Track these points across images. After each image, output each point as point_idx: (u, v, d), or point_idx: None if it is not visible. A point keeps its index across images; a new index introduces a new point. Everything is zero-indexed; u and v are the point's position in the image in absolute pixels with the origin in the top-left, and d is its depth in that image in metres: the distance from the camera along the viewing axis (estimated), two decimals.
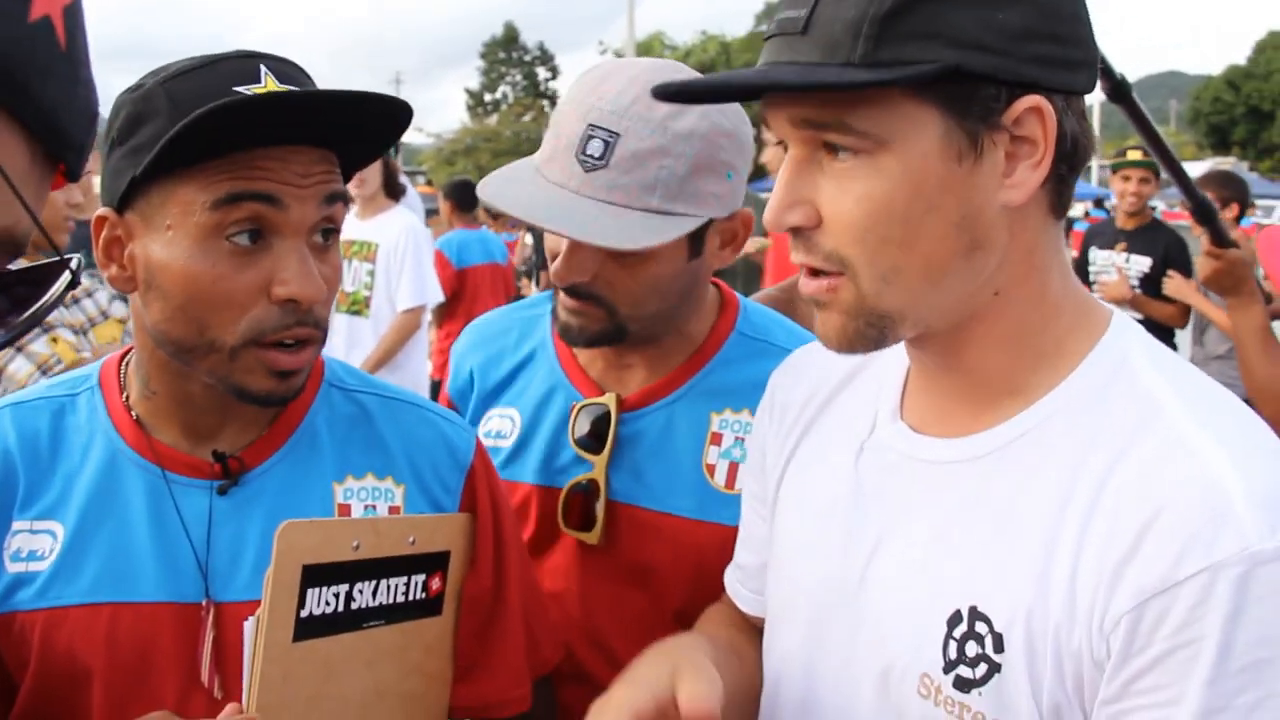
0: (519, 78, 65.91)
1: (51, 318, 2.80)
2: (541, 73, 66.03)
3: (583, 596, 1.61)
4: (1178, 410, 0.92)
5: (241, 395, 1.17)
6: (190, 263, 1.12)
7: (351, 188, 4.91)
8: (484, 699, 1.37)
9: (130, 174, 1.12)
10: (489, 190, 1.48)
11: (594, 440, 1.57)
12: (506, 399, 1.67)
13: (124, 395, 1.27)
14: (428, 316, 5.45)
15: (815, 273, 0.98)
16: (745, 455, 1.54)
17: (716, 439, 1.56)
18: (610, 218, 1.40)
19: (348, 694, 1.22)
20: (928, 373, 1.07)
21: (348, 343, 5.08)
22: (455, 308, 6.29)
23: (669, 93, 1.00)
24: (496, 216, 9.01)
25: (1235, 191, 5.81)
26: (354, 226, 5.13)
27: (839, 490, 1.11)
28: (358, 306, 5.16)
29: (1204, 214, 2.41)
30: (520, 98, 62.31)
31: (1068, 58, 0.93)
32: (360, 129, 1.16)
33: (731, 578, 1.37)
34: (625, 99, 1.42)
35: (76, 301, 2.95)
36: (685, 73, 1.49)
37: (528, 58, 66.40)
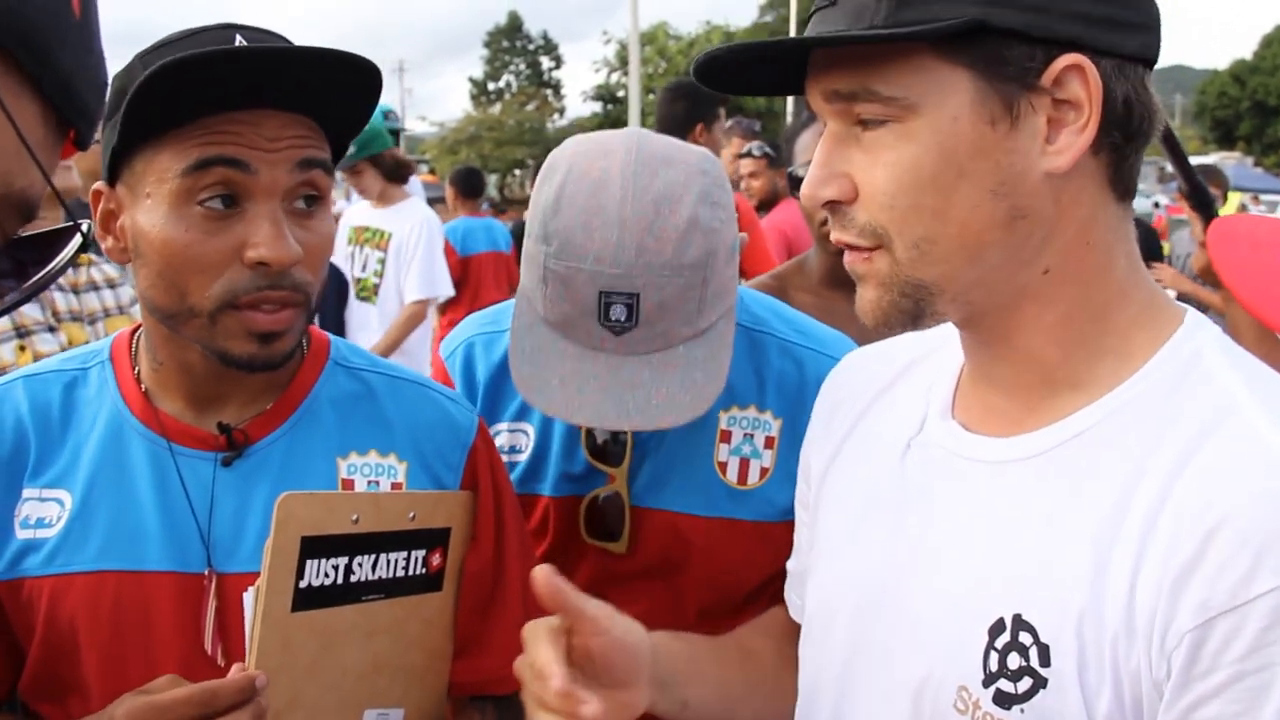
0: (523, 67, 65.81)
1: (61, 307, 2.81)
2: (545, 62, 65.92)
3: (607, 601, 1.62)
4: (1256, 411, 0.85)
5: (226, 360, 1.18)
6: (165, 228, 1.14)
7: (352, 205, 4.95)
8: (483, 674, 1.38)
9: (111, 145, 1.15)
10: (530, 391, 1.40)
11: (610, 449, 1.57)
12: (515, 413, 1.65)
13: (135, 369, 1.29)
14: (433, 309, 5.47)
15: (855, 249, 0.96)
16: (755, 451, 1.56)
17: (725, 436, 1.57)
18: (665, 376, 1.38)
19: (346, 665, 1.23)
20: (980, 364, 1.02)
21: (354, 328, 5.12)
22: (459, 295, 6.30)
23: (709, 69, 0.98)
24: (503, 209, 9.01)
25: (1220, 186, 5.89)
26: (368, 214, 5.20)
27: (883, 490, 1.06)
28: (366, 293, 5.19)
29: (1200, 200, 2.42)
30: (524, 86, 62.23)
31: (1115, 16, 0.88)
32: (331, 91, 1.16)
33: (787, 585, 1.34)
34: (627, 255, 1.34)
35: (95, 288, 2.96)
36: (650, 171, 1.38)
37: (531, 47, 66.27)
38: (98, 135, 0.64)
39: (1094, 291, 0.94)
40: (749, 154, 5.58)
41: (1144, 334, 0.94)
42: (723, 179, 1.44)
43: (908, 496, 1.04)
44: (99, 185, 1.21)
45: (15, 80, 0.59)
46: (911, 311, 0.95)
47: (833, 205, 0.95)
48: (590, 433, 1.58)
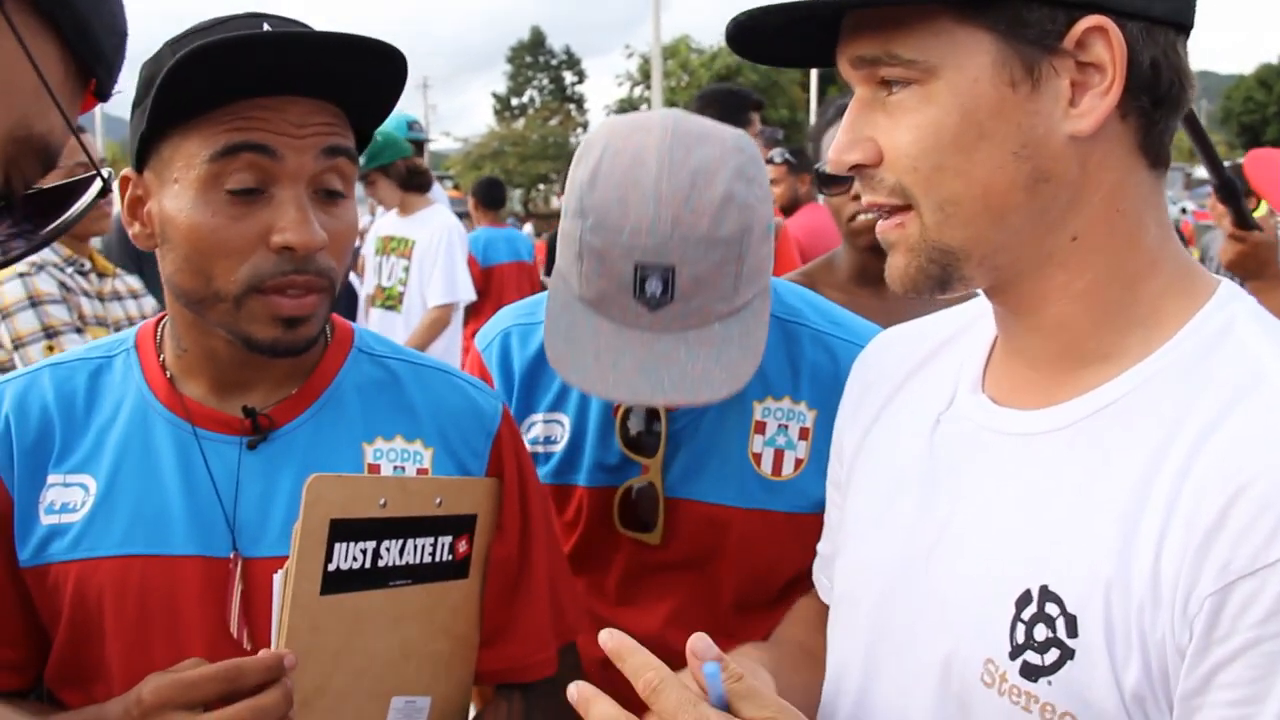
0: (545, 82, 66.06)
1: (88, 311, 2.84)
2: (568, 76, 66.17)
3: (640, 592, 1.62)
4: None
5: (250, 345, 1.19)
6: (193, 213, 1.15)
7: (380, 215, 4.99)
8: (509, 662, 1.38)
9: (140, 131, 1.16)
10: (565, 368, 1.40)
11: (645, 440, 1.57)
12: (551, 404, 1.66)
13: (160, 356, 1.30)
14: (459, 314, 5.49)
15: (884, 213, 0.96)
16: (790, 442, 1.55)
17: (760, 427, 1.56)
18: (700, 353, 1.37)
19: (374, 650, 1.23)
20: (1011, 336, 1.01)
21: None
22: (482, 305, 6.32)
23: (740, 36, 0.98)
24: (526, 217, 9.05)
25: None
26: (393, 224, 5.26)
27: (912, 466, 1.06)
28: (391, 301, 5.22)
29: (1229, 193, 2.39)
30: (547, 101, 62.47)
31: None
32: (357, 78, 1.17)
33: (816, 567, 1.34)
34: (663, 227, 1.33)
35: (119, 298, 2.99)
36: (685, 146, 1.37)
37: (554, 62, 66.52)
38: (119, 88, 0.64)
39: (1124, 259, 0.93)
40: (770, 161, 5.59)
41: (1175, 303, 0.93)
42: (758, 157, 1.44)
43: (937, 472, 1.03)
44: (127, 171, 1.22)
45: (33, 19, 0.59)
46: (939, 277, 0.95)
47: (860, 169, 0.96)
48: (625, 423, 1.58)
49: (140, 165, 1.20)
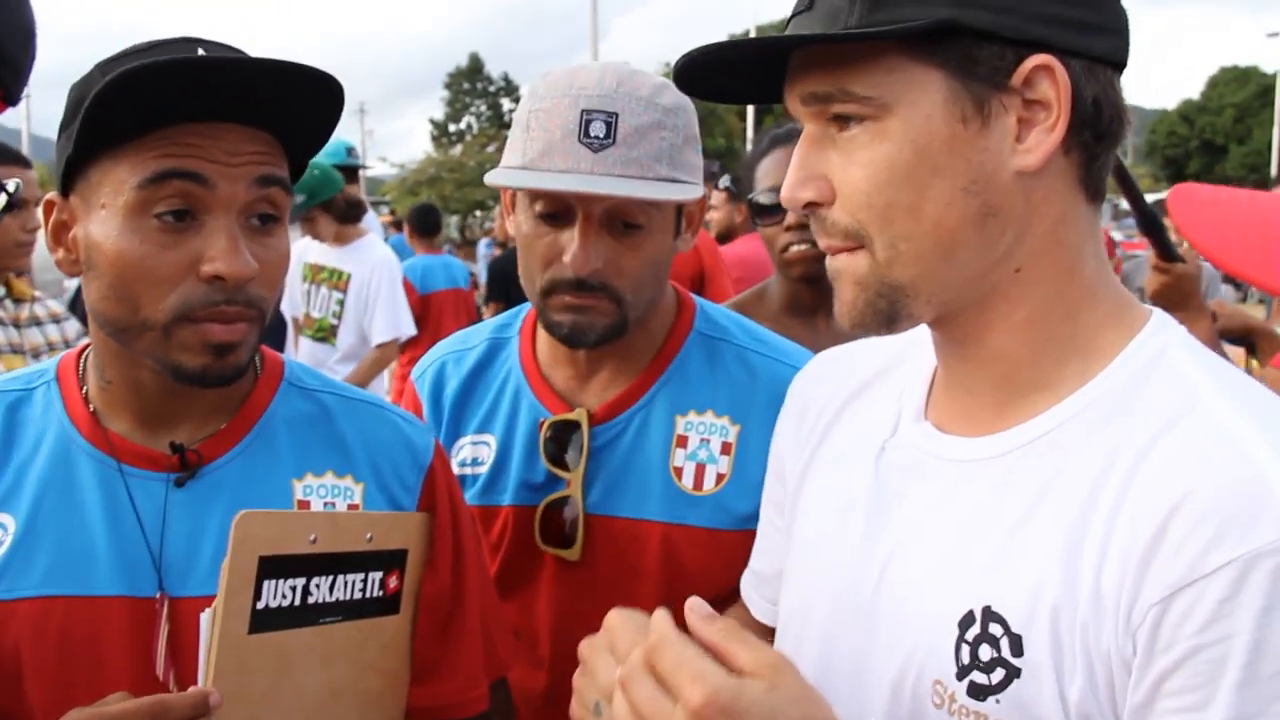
0: (483, 108, 65.94)
1: (0, 339, 2.77)
2: (506, 103, 66.00)
3: (563, 614, 1.62)
4: (1218, 398, 0.87)
5: (179, 374, 1.16)
6: (120, 240, 1.13)
7: (308, 240, 4.95)
8: (441, 699, 1.36)
9: (66, 154, 1.14)
10: (506, 178, 1.49)
11: (566, 456, 1.58)
12: (479, 425, 1.67)
13: (82, 388, 1.27)
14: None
15: (833, 254, 0.97)
16: (711, 457, 1.56)
17: (682, 441, 1.58)
18: (634, 185, 1.43)
19: (304, 689, 1.21)
20: (951, 365, 1.03)
21: (312, 366, 5.05)
22: (419, 333, 6.27)
23: (688, 72, 1.00)
24: (461, 244, 9.01)
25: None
26: (325, 253, 5.17)
27: (858, 491, 1.07)
28: (324, 334, 5.16)
29: (1150, 226, 2.44)
30: (485, 128, 62.28)
31: (1082, 19, 0.90)
32: (292, 106, 1.16)
33: (746, 583, 1.34)
34: (609, 83, 1.46)
35: (38, 323, 2.92)
36: (639, 72, 1.53)
37: (492, 88, 66.44)
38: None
39: (1065, 291, 0.95)
40: (715, 185, 5.66)
41: (1112, 333, 0.95)
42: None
43: (882, 498, 1.05)
44: (52, 195, 1.20)
45: None
46: (887, 313, 0.96)
47: (812, 208, 0.97)
48: (550, 439, 1.58)
49: (66, 189, 1.18)
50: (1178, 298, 2.55)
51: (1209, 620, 0.78)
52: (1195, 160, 63.45)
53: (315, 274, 5.18)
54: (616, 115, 1.44)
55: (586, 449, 1.57)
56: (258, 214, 1.18)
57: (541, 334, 1.67)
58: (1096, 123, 0.92)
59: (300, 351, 5.16)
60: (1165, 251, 2.49)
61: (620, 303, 1.51)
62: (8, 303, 2.87)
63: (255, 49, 1.17)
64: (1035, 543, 0.89)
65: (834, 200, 0.95)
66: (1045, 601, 0.87)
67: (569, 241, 1.48)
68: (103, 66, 1.16)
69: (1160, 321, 0.97)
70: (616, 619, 0.91)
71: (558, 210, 1.50)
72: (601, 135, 1.43)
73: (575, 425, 1.58)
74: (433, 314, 6.47)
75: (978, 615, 0.91)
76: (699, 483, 1.56)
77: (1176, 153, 64.82)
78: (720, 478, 1.56)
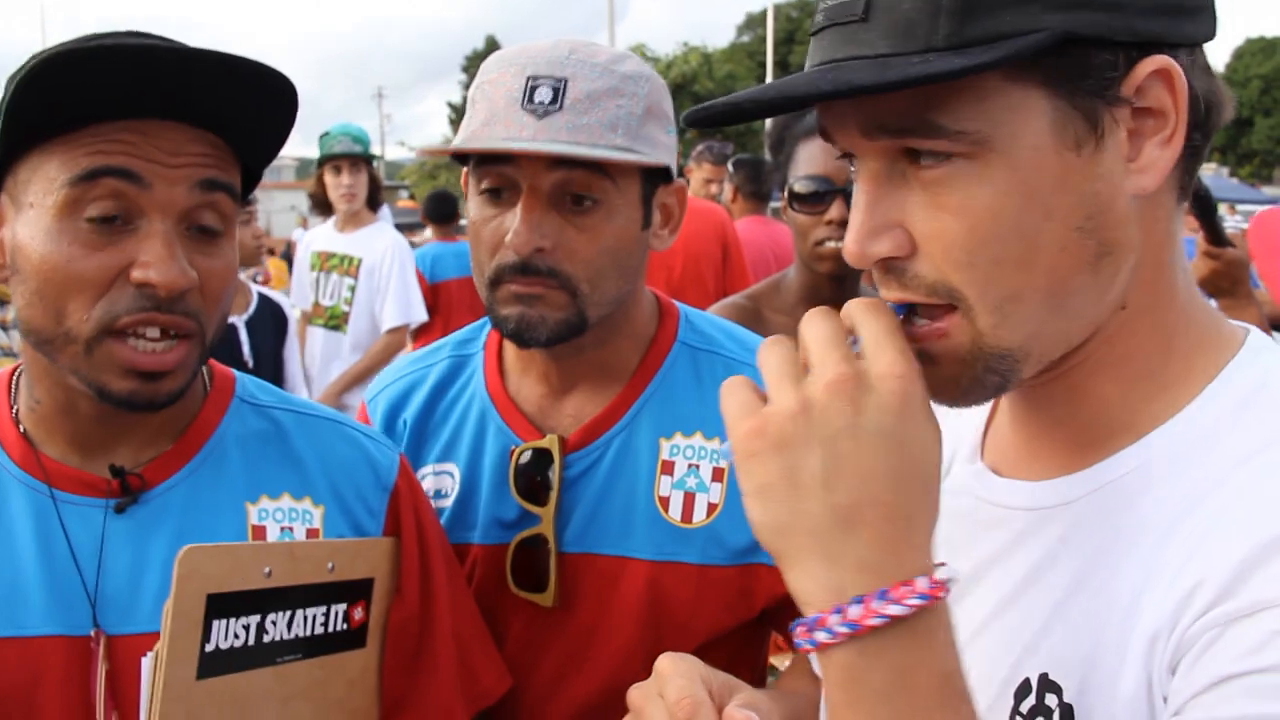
0: None
1: None
2: None
3: (542, 664, 1.45)
4: None
5: (103, 396, 1.08)
6: (46, 242, 1.05)
7: (341, 202, 4.92)
8: None
9: None
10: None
11: (538, 488, 1.43)
12: (441, 454, 1.51)
13: (13, 409, 1.18)
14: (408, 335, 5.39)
15: (914, 310, 0.81)
16: (701, 484, 1.41)
17: (668, 468, 1.42)
18: (579, 149, 1.29)
19: None
20: (1023, 407, 0.90)
21: (324, 356, 5.01)
22: (431, 322, 6.20)
23: (708, 117, 0.83)
24: None
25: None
26: (334, 239, 5.11)
27: None
28: (336, 321, 5.09)
29: (1203, 208, 2.34)
30: None
31: (1187, 2, 0.77)
32: (238, 105, 1.07)
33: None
34: (560, 52, 1.33)
35: None
36: (599, 45, 1.41)
37: None
38: None
39: (1163, 318, 0.83)
40: (713, 161, 5.77)
41: (1205, 358, 0.83)
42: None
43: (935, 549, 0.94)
44: None
45: None
46: (997, 386, 0.81)
47: (886, 261, 0.81)
48: (520, 470, 1.44)
49: None
50: (1227, 284, 2.45)
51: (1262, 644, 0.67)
52: (1221, 134, 62.45)
53: (324, 261, 5.11)
54: (566, 80, 1.30)
55: (559, 479, 1.41)
56: (200, 221, 1.09)
57: (508, 348, 1.52)
58: (1207, 122, 0.80)
59: (312, 342, 5.08)
60: (1216, 236, 2.39)
61: (575, 294, 1.34)
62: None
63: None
64: (1095, 601, 0.79)
65: (914, 252, 0.79)
66: (1101, 667, 0.77)
67: (514, 221, 1.33)
68: (36, 55, 1.08)
69: (1258, 341, 0.84)
70: (667, 664, 0.87)
71: (500, 185, 1.35)
72: (547, 100, 1.29)
73: (548, 454, 1.43)
74: (443, 304, 6.38)
75: (1034, 684, 0.81)
76: (688, 514, 1.40)
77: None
78: (712, 508, 1.41)
